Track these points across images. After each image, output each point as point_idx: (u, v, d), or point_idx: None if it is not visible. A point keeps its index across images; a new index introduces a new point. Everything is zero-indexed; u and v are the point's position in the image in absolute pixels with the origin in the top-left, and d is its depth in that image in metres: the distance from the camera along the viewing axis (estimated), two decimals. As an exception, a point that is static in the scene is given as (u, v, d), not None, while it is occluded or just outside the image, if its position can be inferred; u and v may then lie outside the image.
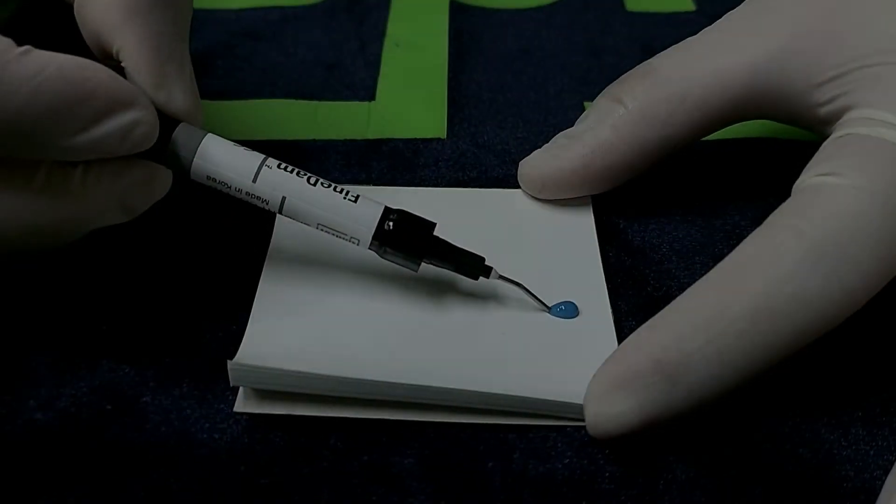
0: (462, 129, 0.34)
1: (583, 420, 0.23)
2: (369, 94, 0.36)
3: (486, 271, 0.26)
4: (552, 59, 0.38)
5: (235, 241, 0.28)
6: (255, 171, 0.24)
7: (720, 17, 0.28)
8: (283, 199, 0.24)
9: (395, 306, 0.26)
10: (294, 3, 0.42)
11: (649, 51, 0.34)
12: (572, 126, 0.29)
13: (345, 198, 0.25)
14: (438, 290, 0.27)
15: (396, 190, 0.31)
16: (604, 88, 0.29)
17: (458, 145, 0.33)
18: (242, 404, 0.23)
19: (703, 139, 0.29)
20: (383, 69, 0.37)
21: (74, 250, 0.28)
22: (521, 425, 0.23)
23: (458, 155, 0.33)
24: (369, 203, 0.25)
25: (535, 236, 0.29)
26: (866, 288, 0.22)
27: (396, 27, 0.40)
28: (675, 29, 0.39)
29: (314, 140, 0.33)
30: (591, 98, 0.30)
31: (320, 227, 0.25)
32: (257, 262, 0.27)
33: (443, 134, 0.34)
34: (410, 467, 0.22)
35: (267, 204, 0.25)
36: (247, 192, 0.25)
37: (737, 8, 0.28)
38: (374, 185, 0.31)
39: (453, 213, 0.29)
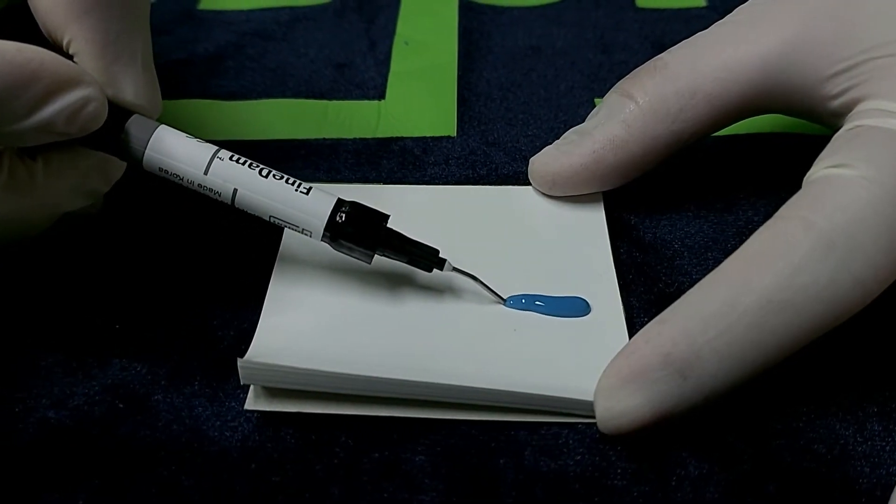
0: (472, 126, 0.34)
1: (593, 416, 0.23)
2: (379, 92, 0.36)
3: (440, 263, 0.25)
4: (562, 56, 0.38)
5: (246, 241, 0.28)
6: (207, 163, 0.24)
7: (729, 12, 0.28)
8: (235, 191, 0.25)
9: (406, 304, 0.26)
10: (304, 3, 0.42)
11: (660, 47, 0.34)
12: (583, 123, 0.29)
13: (296, 190, 0.25)
14: (450, 288, 0.27)
15: (406, 188, 0.31)
16: (614, 85, 0.29)
17: (468, 143, 0.33)
18: (253, 402, 0.24)
19: (714, 134, 0.29)
20: (393, 68, 0.37)
21: (87, 250, 0.28)
22: (532, 422, 0.23)
23: (467, 153, 0.33)
24: (322, 195, 0.25)
25: (546, 233, 0.29)
26: (878, 279, 0.22)
27: (406, 26, 0.40)
28: (686, 25, 0.39)
29: (324, 139, 0.33)
30: (602, 95, 0.30)
31: (272, 218, 0.25)
32: (268, 260, 0.27)
33: (452, 132, 0.34)
34: (421, 464, 0.22)
35: (219, 196, 0.25)
36: (199, 185, 0.25)
37: (746, 3, 0.28)
38: (384, 183, 0.31)
39: (464, 210, 0.30)
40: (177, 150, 0.24)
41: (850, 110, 0.25)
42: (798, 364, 0.23)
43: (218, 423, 0.23)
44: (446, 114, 0.34)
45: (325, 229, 0.25)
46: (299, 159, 0.32)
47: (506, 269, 0.27)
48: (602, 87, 0.35)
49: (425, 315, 0.26)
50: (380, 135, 0.33)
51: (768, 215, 0.23)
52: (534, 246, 0.28)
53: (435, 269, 0.26)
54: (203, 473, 0.22)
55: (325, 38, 0.39)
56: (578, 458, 0.23)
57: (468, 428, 0.23)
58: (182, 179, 0.25)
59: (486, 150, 0.33)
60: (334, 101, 0.35)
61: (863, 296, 0.22)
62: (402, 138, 0.33)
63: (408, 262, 0.26)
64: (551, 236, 0.28)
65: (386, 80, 0.36)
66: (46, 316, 0.26)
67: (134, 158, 0.25)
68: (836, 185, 0.23)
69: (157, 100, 0.25)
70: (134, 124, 0.24)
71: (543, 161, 0.29)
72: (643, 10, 0.41)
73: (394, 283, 0.27)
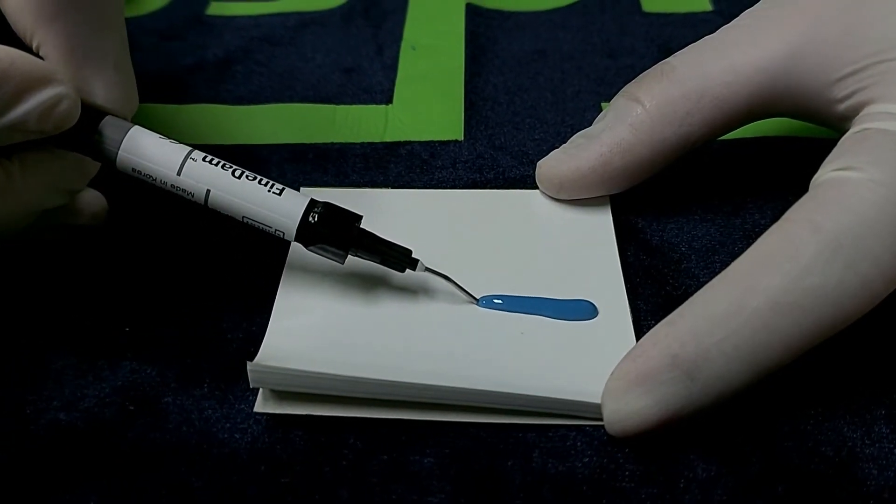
0: (479, 131, 0.34)
1: (601, 419, 0.23)
2: (386, 97, 0.36)
3: (413, 263, 0.26)
4: (569, 60, 0.38)
5: (256, 244, 0.29)
6: (180, 164, 0.25)
7: (736, 16, 0.28)
8: (208, 191, 0.25)
9: (414, 308, 0.26)
10: (312, 8, 0.42)
11: (666, 51, 0.34)
12: (590, 126, 0.29)
13: (269, 191, 0.25)
14: (452, 293, 0.27)
15: (414, 192, 0.31)
16: (621, 89, 0.29)
17: (475, 147, 0.33)
18: (262, 405, 0.24)
19: (721, 138, 0.29)
20: (400, 72, 0.37)
21: (98, 253, 0.28)
22: (540, 424, 0.23)
23: (475, 157, 0.33)
24: (294, 196, 0.25)
25: (554, 236, 0.29)
26: (885, 281, 0.22)
27: (413, 31, 0.40)
28: (692, 29, 0.39)
29: (332, 143, 0.33)
30: (609, 99, 0.30)
31: (246, 219, 0.25)
32: (277, 263, 0.28)
33: (460, 136, 0.34)
34: (430, 466, 0.23)
35: (192, 196, 0.25)
36: (172, 185, 0.25)
37: (753, 7, 0.28)
38: (392, 187, 0.31)
39: (471, 214, 0.30)
40: (149, 151, 0.25)
41: (857, 113, 0.25)
42: (806, 366, 0.23)
43: (227, 425, 0.24)
44: (454, 118, 0.35)
45: (298, 230, 0.25)
46: (308, 163, 0.32)
47: (513, 272, 0.27)
48: (608, 91, 0.35)
49: (434, 319, 0.26)
50: (387, 139, 0.34)
51: (775, 218, 0.23)
52: (541, 249, 0.28)
53: (409, 270, 0.26)
54: (213, 475, 0.22)
55: (332, 42, 0.40)
56: (586, 460, 0.23)
57: (476, 430, 0.23)
58: (155, 180, 0.25)
59: (493, 153, 0.33)
60: (342, 106, 0.36)
61: (870, 297, 0.22)
62: (409, 142, 0.33)
63: (381, 263, 0.26)
64: (558, 239, 0.29)
65: (393, 84, 0.37)
66: (57, 319, 0.26)
67: (107, 159, 0.25)
68: (842, 187, 0.23)
69: (132, 100, 0.26)
70: (107, 125, 0.25)
71: (551, 164, 0.29)
72: (649, 14, 0.41)
73: (403, 286, 0.27)
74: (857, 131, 0.24)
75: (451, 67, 0.37)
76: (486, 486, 0.22)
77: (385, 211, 0.30)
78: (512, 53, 0.39)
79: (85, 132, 0.24)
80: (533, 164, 0.30)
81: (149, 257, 0.28)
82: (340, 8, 0.42)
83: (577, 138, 0.29)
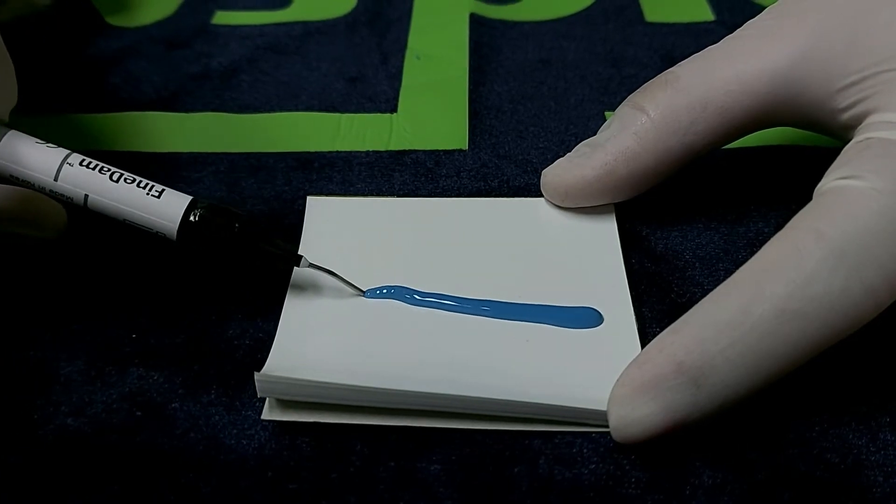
0: (483, 139, 0.34)
1: (607, 426, 0.23)
2: (391, 106, 0.36)
3: (297, 260, 0.26)
4: (572, 69, 0.38)
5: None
6: (56, 169, 0.25)
7: (739, 26, 0.29)
8: (86, 196, 0.25)
9: (420, 317, 0.26)
10: (317, 17, 0.42)
11: (669, 60, 0.35)
12: (594, 135, 0.30)
13: (148, 193, 0.25)
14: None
15: (419, 201, 0.31)
16: (624, 98, 0.29)
17: (480, 156, 0.33)
18: (269, 413, 0.24)
19: (725, 147, 0.29)
20: (405, 81, 0.38)
21: (104, 259, 0.28)
22: (546, 431, 0.23)
23: (479, 165, 0.33)
24: (175, 197, 0.25)
25: (559, 244, 0.29)
26: (890, 289, 0.22)
27: (417, 40, 0.40)
28: (695, 39, 0.40)
29: (337, 152, 0.34)
30: (612, 108, 0.30)
31: (127, 222, 0.25)
32: (284, 271, 0.28)
33: (464, 145, 0.34)
34: (437, 473, 0.23)
35: (72, 201, 0.25)
36: (50, 191, 0.25)
37: (757, 16, 0.28)
38: (397, 195, 0.31)
39: (476, 222, 0.30)
40: (25, 157, 0.25)
41: (860, 123, 0.25)
42: (811, 373, 0.23)
43: (235, 431, 0.24)
44: (458, 127, 0.35)
45: (179, 230, 0.25)
46: (313, 172, 0.33)
47: (518, 280, 0.27)
48: (612, 101, 0.36)
49: (439, 327, 0.26)
50: (392, 148, 0.34)
51: (779, 226, 0.23)
52: (546, 257, 0.28)
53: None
54: (220, 481, 0.22)
55: (337, 51, 0.40)
56: (593, 466, 0.23)
57: (483, 437, 0.23)
58: (34, 186, 0.25)
59: (497, 162, 0.33)
60: (347, 114, 0.36)
61: (875, 305, 0.22)
62: (414, 151, 0.34)
63: (265, 262, 0.26)
64: (563, 247, 0.29)
65: (398, 93, 0.37)
66: (65, 325, 0.27)
67: None
68: (846, 196, 0.23)
69: (8, 99, 0.25)
70: None
71: (556, 173, 0.29)
72: (652, 24, 0.42)
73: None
74: (860, 141, 0.24)
75: (455, 77, 0.38)
76: (493, 493, 0.22)
77: (390, 219, 0.30)
78: (516, 63, 0.39)
79: None
80: (537, 173, 0.30)
81: (156, 263, 0.28)
82: (345, 17, 0.42)
83: (581, 147, 0.29)
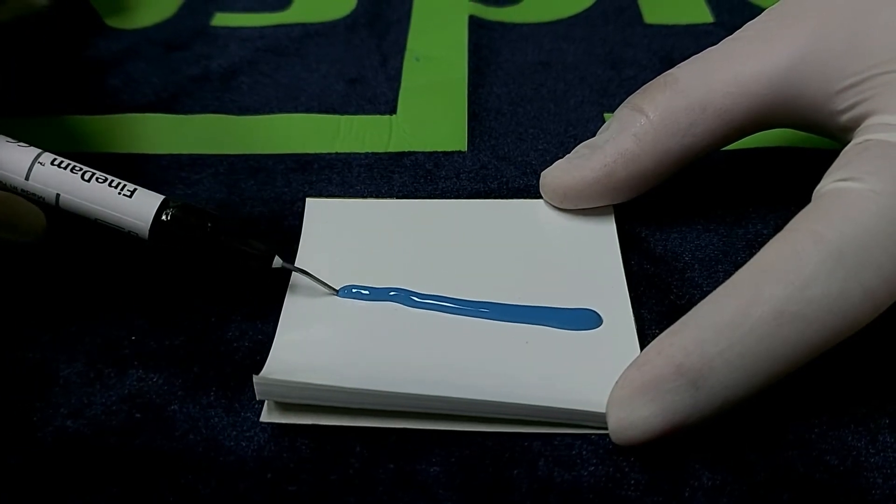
0: (482, 141, 0.34)
1: (606, 428, 0.23)
2: (391, 107, 0.36)
3: (270, 259, 0.26)
4: (572, 71, 0.38)
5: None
6: (27, 168, 0.25)
7: (738, 28, 0.29)
8: (58, 196, 0.25)
9: (419, 319, 0.26)
10: (316, 19, 0.42)
11: (668, 62, 0.35)
12: (593, 137, 0.30)
13: (120, 192, 0.25)
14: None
15: (418, 202, 0.31)
16: (624, 100, 0.29)
17: (479, 157, 0.33)
18: (268, 415, 0.24)
19: (724, 149, 0.29)
20: (404, 83, 0.38)
21: (104, 260, 0.28)
22: (545, 433, 0.23)
23: (478, 167, 0.33)
24: (147, 196, 0.25)
25: (558, 246, 0.29)
26: (888, 291, 0.22)
27: (416, 42, 0.40)
28: (694, 41, 0.40)
29: (337, 153, 0.34)
30: (612, 110, 0.30)
31: (99, 221, 0.25)
32: (283, 273, 0.28)
33: (463, 146, 0.34)
34: (436, 475, 0.23)
35: (44, 200, 0.25)
36: (21, 190, 0.25)
37: (756, 18, 0.28)
38: (397, 197, 0.31)
39: (475, 224, 0.30)
40: None
41: (859, 125, 0.25)
42: (810, 375, 0.23)
43: (234, 433, 0.24)
44: (457, 128, 0.35)
45: (151, 229, 0.25)
46: (312, 173, 0.33)
47: (517, 281, 0.27)
48: (611, 102, 0.36)
49: (438, 329, 0.26)
50: (392, 149, 0.34)
51: (778, 228, 0.23)
52: (545, 258, 0.28)
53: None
54: (220, 482, 0.22)
55: (336, 53, 0.40)
56: (592, 468, 0.23)
57: (482, 439, 0.23)
58: (5, 185, 0.25)
59: (496, 164, 0.33)
60: (346, 116, 0.36)
61: (873, 307, 0.22)
62: (413, 153, 0.34)
63: (237, 262, 0.26)
64: (562, 249, 0.29)
65: (397, 95, 0.37)
66: (64, 327, 0.27)
67: None
68: (845, 198, 0.23)
69: None
70: None
71: (555, 175, 0.29)
72: (651, 25, 0.42)
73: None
74: (859, 142, 0.24)
75: (454, 78, 0.38)
76: (493, 495, 0.22)
77: (389, 221, 0.30)
78: (515, 64, 0.39)
79: None
80: (536, 175, 0.30)
81: (155, 265, 0.28)
82: (345, 19, 0.42)
83: (580, 148, 0.29)
